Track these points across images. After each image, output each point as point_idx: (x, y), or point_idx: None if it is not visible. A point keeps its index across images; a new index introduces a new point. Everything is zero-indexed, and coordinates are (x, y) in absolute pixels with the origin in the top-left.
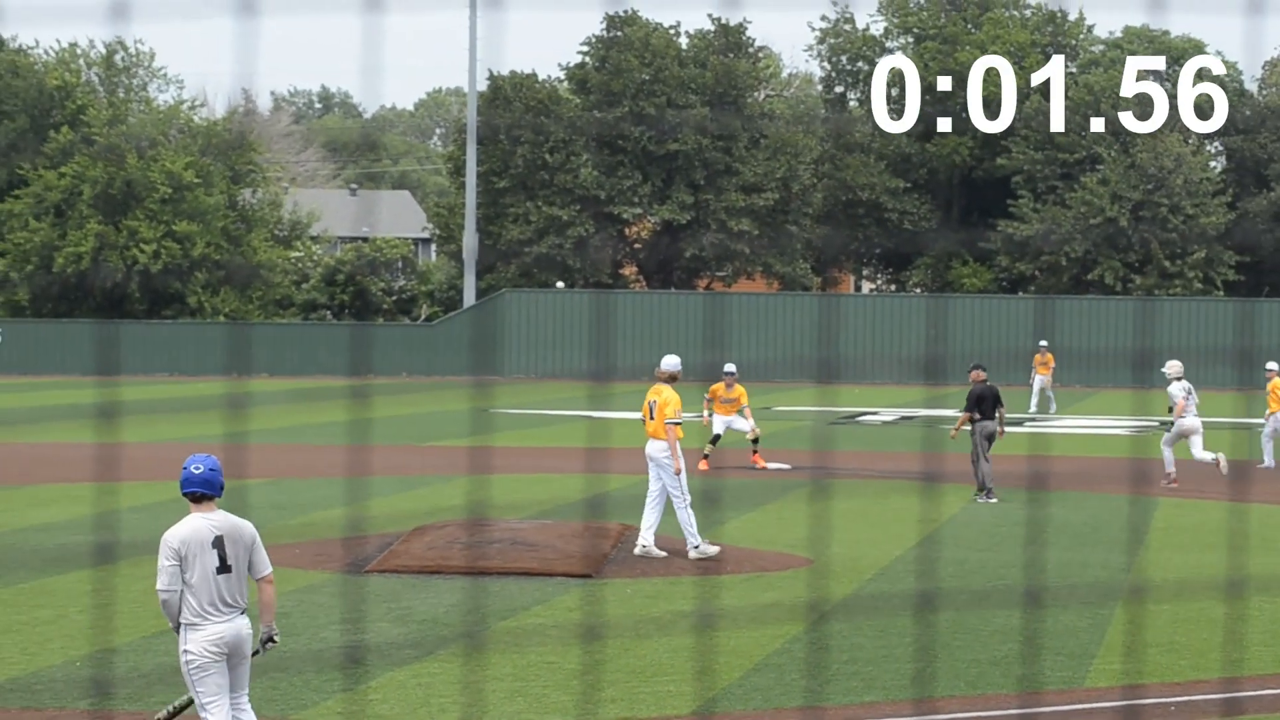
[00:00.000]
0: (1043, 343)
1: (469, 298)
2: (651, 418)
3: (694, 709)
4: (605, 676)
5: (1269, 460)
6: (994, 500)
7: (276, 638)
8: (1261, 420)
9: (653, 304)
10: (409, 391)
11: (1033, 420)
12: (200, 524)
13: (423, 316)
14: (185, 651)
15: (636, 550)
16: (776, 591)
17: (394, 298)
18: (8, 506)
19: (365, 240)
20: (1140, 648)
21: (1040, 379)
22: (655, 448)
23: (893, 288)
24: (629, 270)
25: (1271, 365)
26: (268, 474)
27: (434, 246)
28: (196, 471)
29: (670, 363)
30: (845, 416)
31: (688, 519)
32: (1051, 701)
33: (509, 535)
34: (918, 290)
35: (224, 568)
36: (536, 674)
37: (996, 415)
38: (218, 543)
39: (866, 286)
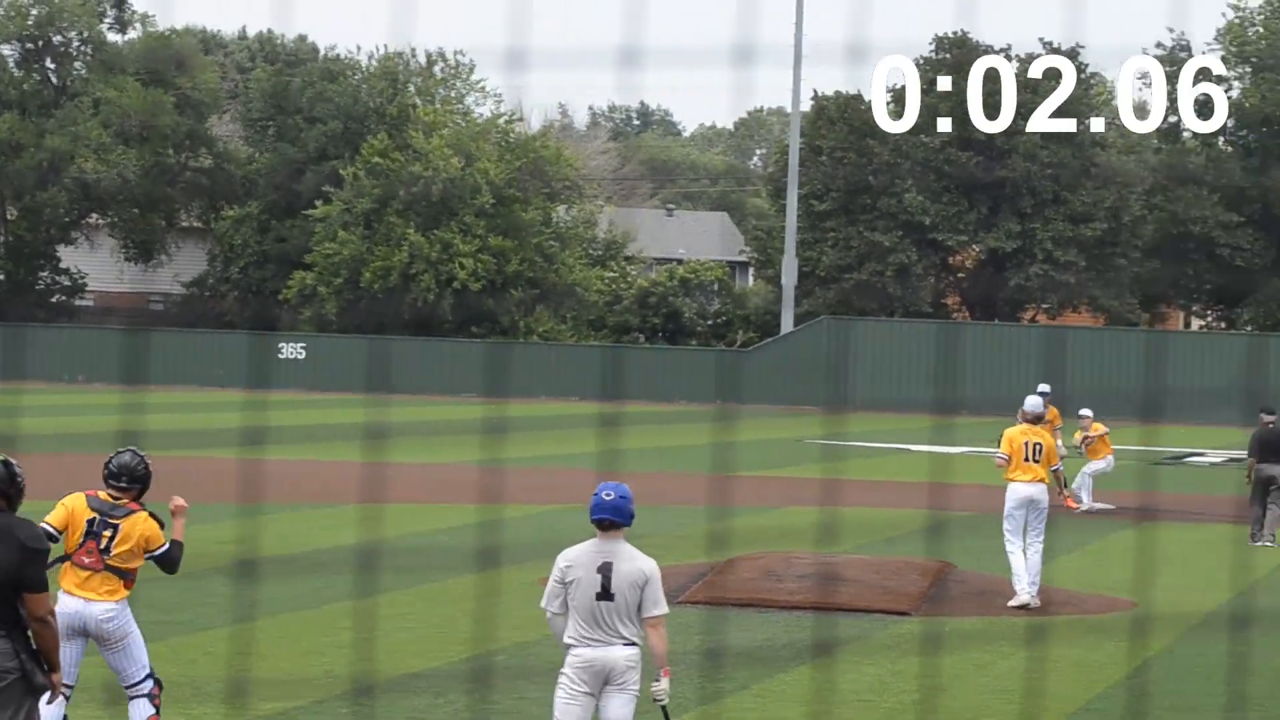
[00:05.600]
0: None
1: (786, 324)
2: (1037, 460)
3: None
4: (919, 718)
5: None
6: (1268, 545)
7: (660, 696)
8: None
9: (982, 335)
10: (727, 419)
11: None
12: (591, 548)
13: (738, 342)
14: (561, 672)
15: (1034, 602)
16: (1098, 634)
17: (708, 322)
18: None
19: (679, 262)
20: None
21: None
22: (1038, 490)
23: (1222, 325)
24: (951, 300)
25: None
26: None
27: (751, 270)
28: (607, 498)
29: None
30: (1172, 457)
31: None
32: None
33: (825, 569)
34: (1248, 328)
35: (605, 595)
36: (852, 711)
37: None
38: (604, 569)
39: (1196, 323)
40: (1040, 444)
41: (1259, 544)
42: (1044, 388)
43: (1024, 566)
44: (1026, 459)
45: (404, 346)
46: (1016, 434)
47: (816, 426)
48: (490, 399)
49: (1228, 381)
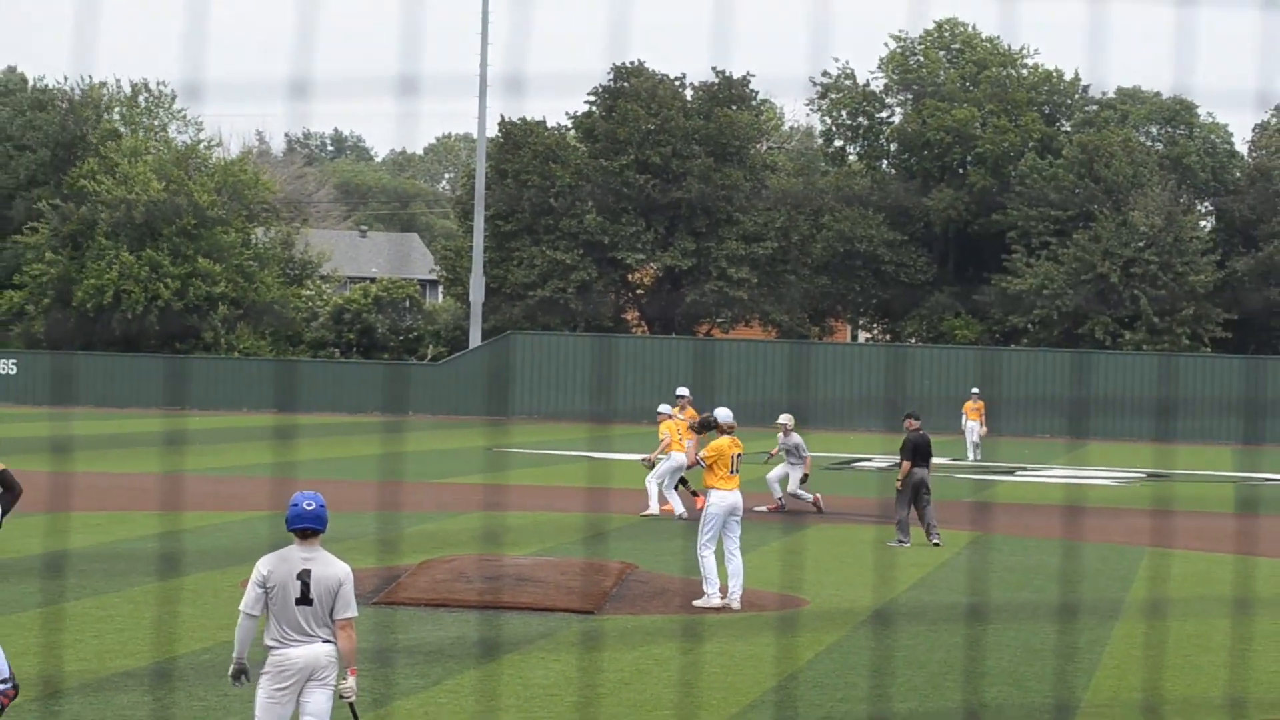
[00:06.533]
0: (974, 390)
1: (474, 339)
2: (738, 470)
3: None
4: (604, 710)
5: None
6: (935, 544)
7: (348, 695)
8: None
9: (652, 348)
10: (415, 429)
11: (975, 467)
12: (291, 554)
13: (429, 356)
14: (263, 673)
15: (737, 605)
16: (775, 630)
17: (400, 337)
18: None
19: (372, 280)
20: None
21: (972, 425)
22: (740, 498)
23: (887, 338)
24: (631, 315)
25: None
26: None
27: (440, 288)
28: (308, 508)
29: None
30: (840, 462)
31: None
32: None
33: (513, 571)
34: (912, 340)
35: (305, 600)
36: (540, 705)
37: (929, 464)
38: (304, 575)
39: (863, 336)
40: (741, 455)
41: (903, 546)
42: (682, 390)
43: (715, 570)
44: (732, 470)
45: (111, 362)
46: (726, 444)
47: (502, 435)
48: (173, 411)
49: (867, 390)
